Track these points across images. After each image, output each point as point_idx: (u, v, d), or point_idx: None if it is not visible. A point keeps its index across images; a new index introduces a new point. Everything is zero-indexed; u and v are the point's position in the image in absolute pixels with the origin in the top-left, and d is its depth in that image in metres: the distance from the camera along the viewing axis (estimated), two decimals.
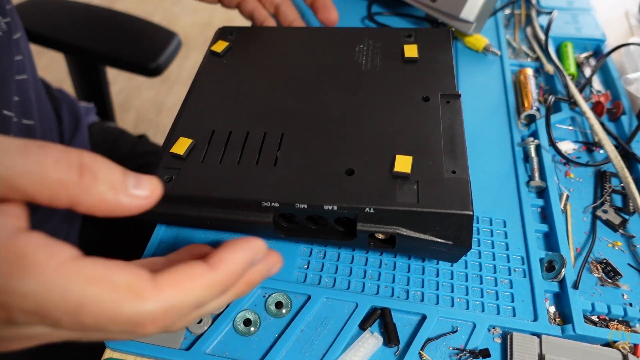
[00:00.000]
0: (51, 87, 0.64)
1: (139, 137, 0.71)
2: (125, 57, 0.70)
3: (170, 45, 0.71)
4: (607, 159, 0.40)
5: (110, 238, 0.61)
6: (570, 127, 0.44)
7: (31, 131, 0.51)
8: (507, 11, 0.57)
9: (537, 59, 0.50)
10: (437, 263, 0.34)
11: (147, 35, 0.73)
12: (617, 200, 0.39)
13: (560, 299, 0.33)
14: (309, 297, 0.32)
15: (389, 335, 0.31)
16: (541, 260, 0.35)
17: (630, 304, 0.33)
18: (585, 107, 0.42)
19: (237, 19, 1.74)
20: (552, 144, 0.40)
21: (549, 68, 0.48)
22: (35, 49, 0.55)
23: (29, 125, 0.51)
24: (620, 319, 0.32)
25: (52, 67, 1.58)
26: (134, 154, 0.67)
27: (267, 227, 0.31)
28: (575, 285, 0.32)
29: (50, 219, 0.55)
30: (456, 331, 0.31)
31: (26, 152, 0.19)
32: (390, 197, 0.30)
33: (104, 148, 0.66)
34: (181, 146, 0.34)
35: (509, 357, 0.30)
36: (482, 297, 0.33)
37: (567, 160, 0.40)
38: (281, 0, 0.49)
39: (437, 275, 0.34)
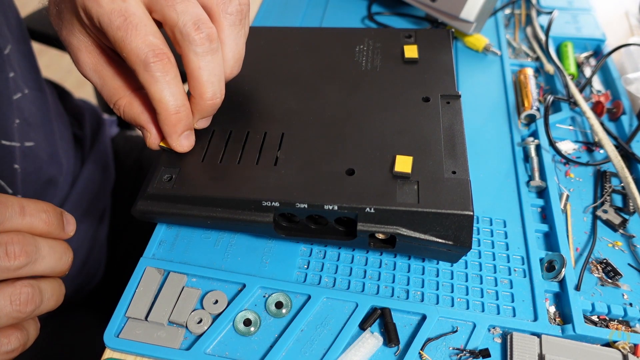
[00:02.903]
0: (72, 96, 0.63)
1: None
2: None
3: None
4: (607, 159, 0.40)
5: (134, 234, 0.62)
6: (571, 127, 0.44)
7: (32, 152, 0.49)
8: (507, 11, 0.57)
9: (537, 58, 0.50)
10: (437, 263, 0.34)
11: None
12: (617, 200, 0.39)
13: (561, 299, 0.33)
14: (309, 297, 0.32)
15: (389, 335, 0.31)
16: (541, 260, 0.35)
17: (631, 304, 0.33)
18: (585, 107, 0.42)
19: None
20: (552, 144, 0.40)
21: (549, 68, 0.48)
22: (34, 48, 0.54)
23: (30, 147, 0.49)
24: (621, 319, 0.32)
25: (52, 67, 1.58)
26: None
27: (267, 226, 0.31)
28: (577, 287, 0.32)
29: (87, 219, 0.57)
30: (456, 331, 0.31)
31: None
32: (390, 197, 0.30)
33: (132, 158, 0.66)
34: None
35: (509, 357, 0.30)
36: (482, 297, 0.33)
37: (567, 160, 0.40)
38: None
39: (437, 275, 0.34)
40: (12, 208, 0.27)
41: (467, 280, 0.33)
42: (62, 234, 0.29)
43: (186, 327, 0.31)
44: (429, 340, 0.31)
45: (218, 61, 0.29)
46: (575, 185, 0.40)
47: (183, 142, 0.32)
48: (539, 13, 0.55)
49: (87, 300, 0.59)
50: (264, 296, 0.33)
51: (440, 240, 0.30)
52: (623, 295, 0.33)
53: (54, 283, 0.29)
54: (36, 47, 0.65)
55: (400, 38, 0.42)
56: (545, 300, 0.33)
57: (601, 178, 0.40)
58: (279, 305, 0.32)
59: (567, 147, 0.42)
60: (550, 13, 0.53)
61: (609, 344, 0.31)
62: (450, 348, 0.30)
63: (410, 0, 0.52)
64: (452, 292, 0.33)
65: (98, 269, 0.59)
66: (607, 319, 0.32)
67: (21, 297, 0.27)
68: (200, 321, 0.31)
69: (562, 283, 0.33)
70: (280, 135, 0.34)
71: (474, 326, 0.31)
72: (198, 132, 0.35)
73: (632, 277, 0.34)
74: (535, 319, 0.31)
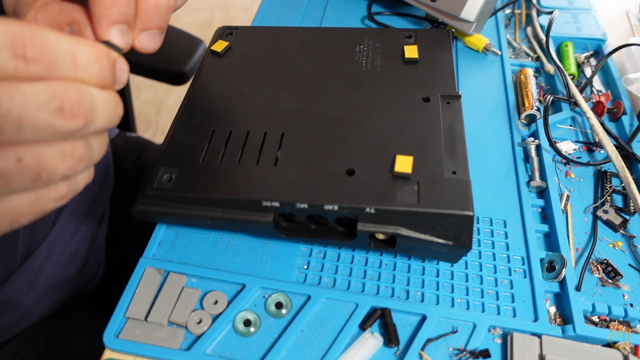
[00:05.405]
0: None
1: None
2: (151, 64, 0.68)
3: (198, 52, 0.69)
4: (608, 159, 0.40)
5: (132, 234, 0.62)
6: (571, 127, 0.44)
7: None
8: (508, 11, 0.57)
9: (538, 58, 0.50)
10: (438, 263, 0.34)
11: (173, 41, 0.70)
12: (618, 200, 0.39)
13: (561, 300, 0.33)
14: (309, 298, 0.32)
15: (389, 336, 0.30)
16: (541, 260, 0.35)
17: (631, 305, 0.32)
18: (585, 107, 0.42)
19: (237, 19, 1.74)
20: (552, 144, 0.40)
21: (550, 68, 0.48)
22: None
23: None
24: (621, 319, 0.32)
25: None
26: None
27: (267, 226, 0.31)
28: (578, 287, 0.32)
29: (87, 221, 0.56)
30: (456, 331, 0.31)
31: None
32: (390, 197, 0.30)
33: (131, 160, 0.66)
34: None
35: (509, 357, 0.30)
36: (482, 297, 0.33)
37: (568, 160, 0.40)
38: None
39: (438, 276, 0.34)
40: (62, 56, 0.21)
41: (467, 281, 0.33)
42: (116, 85, 0.24)
43: (186, 327, 0.31)
44: (429, 340, 0.30)
45: None
46: (576, 186, 0.40)
47: (115, 35, 0.25)
48: (539, 13, 0.54)
49: (86, 300, 0.59)
50: (264, 296, 0.33)
51: (440, 241, 0.30)
52: (624, 295, 0.33)
53: (103, 134, 0.24)
54: None
55: (401, 38, 0.42)
56: (546, 301, 0.33)
57: (602, 178, 0.40)
58: (278, 305, 0.32)
59: (568, 147, 0.41)
60: (550, 13, 0.53)
61: (610, 345, 0.31)
62: (451, 348, 0.30)
63: (411, 0, 0.52)
64: (453, 292, 0.33)
65: (97, 270, 0.59)
66: (608, 319, 0.32)
67: (75, 154, 0.22)
68: (200, 321, 0.31)
69: (562, 283, 0.33)
70: (280, 135, 0.34)
71: (474, 326, 0.31)
72: (198, 131, 0.35)
73: (633, 278, 0.34)
74: (536, 319, 0.31)
